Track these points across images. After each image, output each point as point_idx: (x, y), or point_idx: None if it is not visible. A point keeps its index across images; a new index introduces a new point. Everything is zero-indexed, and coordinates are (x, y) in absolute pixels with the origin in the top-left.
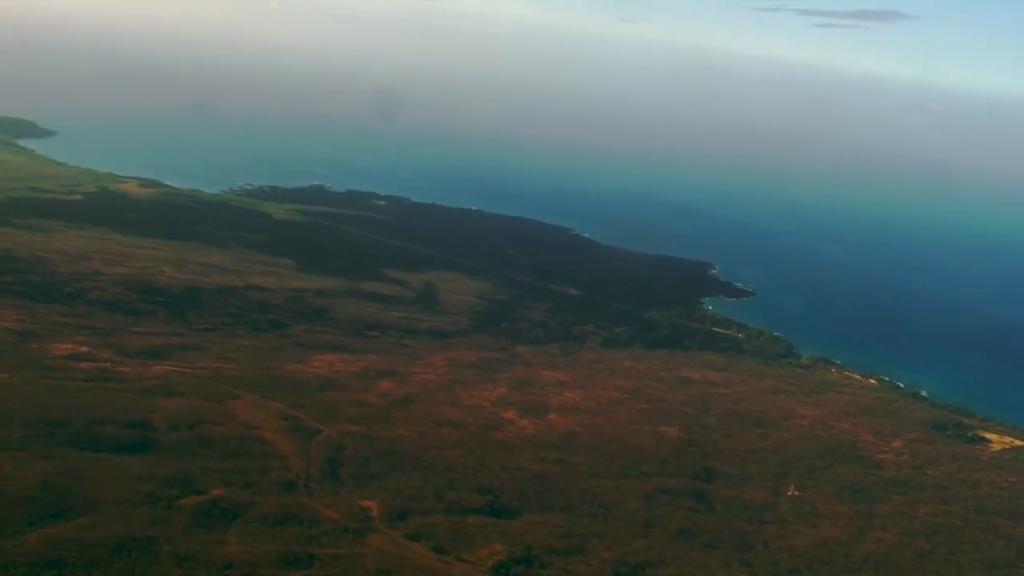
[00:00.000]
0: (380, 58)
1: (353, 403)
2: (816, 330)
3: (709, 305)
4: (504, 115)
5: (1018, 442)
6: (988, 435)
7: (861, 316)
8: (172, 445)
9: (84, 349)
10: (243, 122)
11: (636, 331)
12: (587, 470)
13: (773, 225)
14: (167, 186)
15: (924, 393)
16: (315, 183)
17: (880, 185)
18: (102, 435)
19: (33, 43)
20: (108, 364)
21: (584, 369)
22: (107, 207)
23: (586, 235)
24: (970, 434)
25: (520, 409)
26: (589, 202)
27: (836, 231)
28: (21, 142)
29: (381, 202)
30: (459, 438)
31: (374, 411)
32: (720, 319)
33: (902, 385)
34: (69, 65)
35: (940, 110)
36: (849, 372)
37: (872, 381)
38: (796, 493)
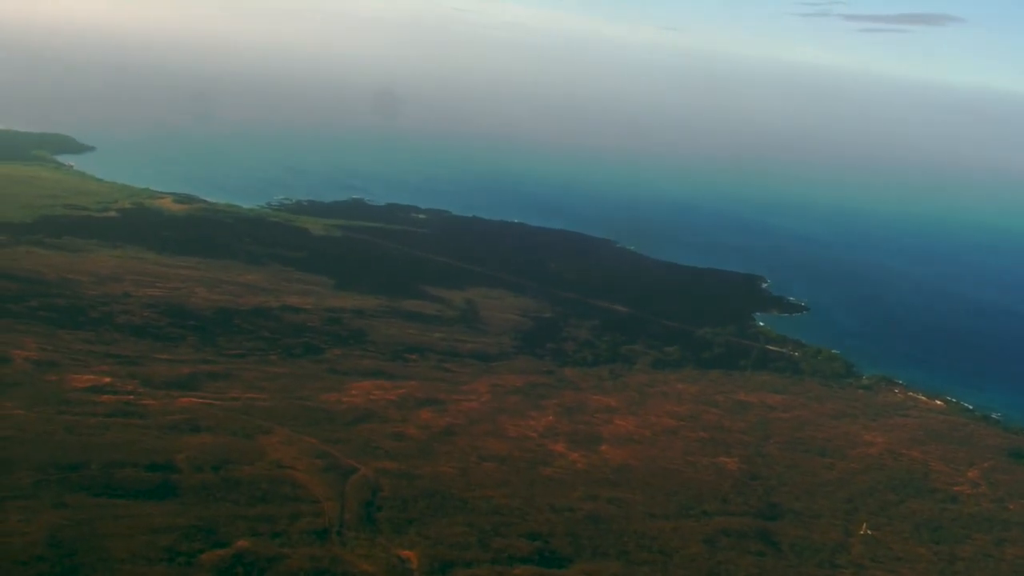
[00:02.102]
0: (406, 65)
1: (391, 436)
2: (874, 347)
3: (761, 321)
4: (545, 125)
5: None
6: None
7: (921, 331)
8: (195, 489)
9: (107, 380)
10: (280, 133)
11: (688, 350)
12: (643, 510)
13: (822, 234)
14: (204, 201)
15: (996, 416)
16: (354, 197)
17: (930, 191)
18: (120, 479)
19: (66, 55)
20: (131, 396)
21: (635, 393)
22: (141, 224)
23: (631, 248)
24: None
25: (569, 440)
26: (632, 213)
27: (887, 240)
28: (60, 158)
29: (422, 216)
30: (505, 475)
31: (414, 445)
32: (775, 336)
33: (971, 407)
34: (105, 78)
35: (989, 114)
36: (913, 393)
37: (939, 403)
38: (869, 532)
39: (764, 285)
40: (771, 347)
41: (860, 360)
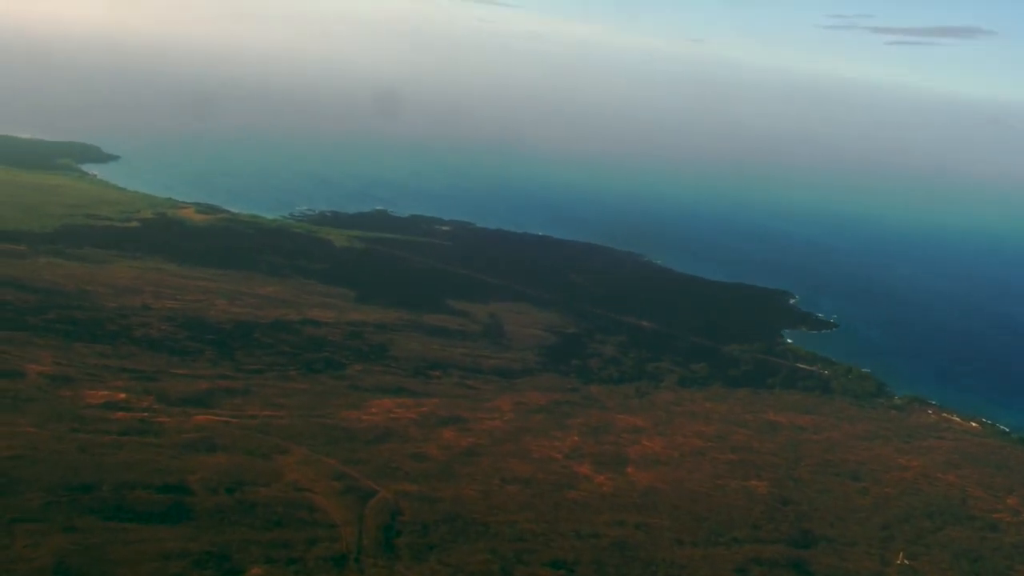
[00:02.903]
0: (429, 74)
1: (412, 457)
2: (906, 365)
3: (789, 338)
4: (568, 135)
5: None
6: None
7: (953, 348)
8: (209, 512)
9: (122, 396)
10: (303, 142)
11: (715, 368)
12: (671, 536)
13: (851, 248)
14: (226, 212)
15: None
16: (377, 208)
17: (960, 204)
18: (132, 501)
19: (81, 62)
20: (146, 414)
21: (662, 412)
22: (163, 235)
23: (658, 262)
24: None
25: (595, 462)
26: (660, 226)
27: (916, 254)
28: (84, 167)
29: (445, 227)
30: (529, 498)
31: (435, 466)
32: (803, 354)
33: (1007, 429)
34: (126, 86)
35: (1020, 127)
36: (947, 414)
37: (974, 424)
38: (906, 562)
39: (792, 301)
40: (800, 365)
41: (891, 379)
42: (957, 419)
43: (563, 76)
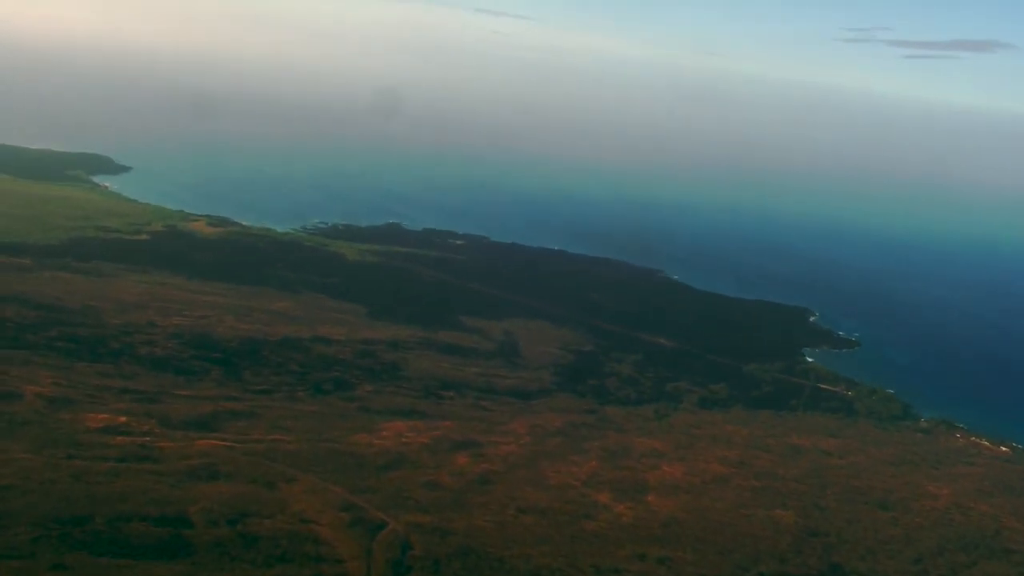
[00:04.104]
0: (444, 85)
1: (424, 485)
2: (931, 385)
3: (810, 357)
4: (583, 148)
5: None
6: None
7: (979, 369)
8: (209, 546)
9: (122, 419)
10: (317, 153)
11: (735, 388)
12: (694, 571)
13: (870, 264)
14: (238, 224)
15: None
16: (391, 221)
17: (982, 219)
18: (127, 535)
19: (84, 71)
20: (147, 438)
21: (682, 435)
22: (172, 248)
23: (675, 277)
24: None
25: (614, 490)
26: (676, 241)
27: (938, 270)
28: (96, 178)
29: (459, 242)
30: (545, 530)
31: (448, 495)
32: (826, 374)
33: None
34: (133, 96)
35: None
36: (976, 437)
37: (1004, 449)
38: None
39: (812, 318)
40: (823, 386)
41: (916, 400)
42: (987, 443)
43: (578, 88)
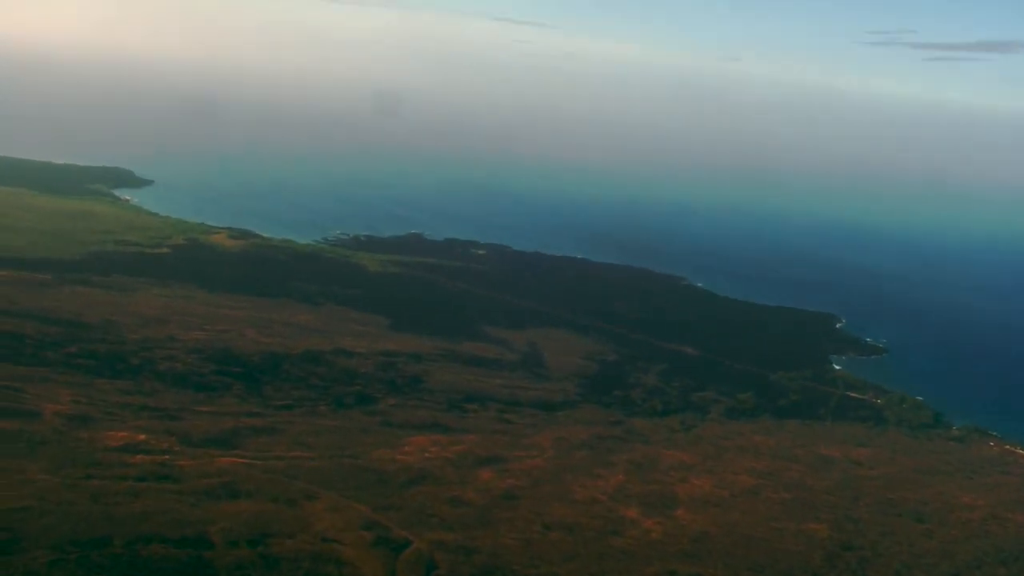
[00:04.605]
0: (467, 95)
1: (448, 502)
2: (961, 393)
3: (837, 364)
4: (605, 155)
5: None
6: None
7: (1012, 375)
8: (230, 569)
9: (141, 437)
10: (337, 163)
11: (762, 397)
12: None
13: (896, 269)
14: (259, 236)
15: None
16: (412, 231)
17: (1010, 221)
18: (146, 558)
19: (108, 85)
20: (166, 456)
21: (710, 447)
22: (193, 261)
23: (699, 285)
24: None
25: (642, 504)
26: (700, 248)
27: (966, 275)
28: (117, 192)
29: (481, 251)
30: (572, 547)
31: (473, 512)
32: (854, 381)
33: None
34: (151, 108)
35: None
36: (1010, 446)
37: None
38: None
39: (838, 325)
40: (851, 394)
41: (947, 407)
42: (1022, 451)
43: (600, 95)
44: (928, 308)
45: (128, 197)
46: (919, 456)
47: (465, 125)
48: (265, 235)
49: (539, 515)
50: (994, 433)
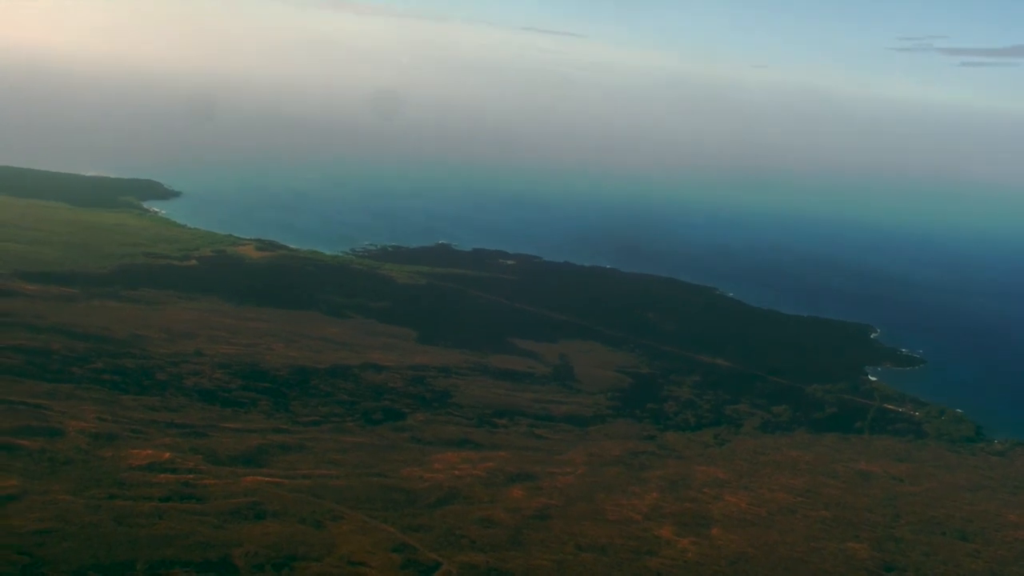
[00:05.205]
0: (497, 105)
1: (478, 522)
2: (1003, 405)
3: (873, 376)
4: (634, 165)
5: None
6: None
7: None
8: None
9: (167, 455)
10: (365, 175)
11: (798, 410)
12: None
13: (931, 278)
14: (286, 247)
15: None
16: (440, 242)
17: None
18: None
19: (133, 96)
20: (192, 476)
21: (744, 462)
22: (221, 273)
23: (730, 295)
24: None
25: (677, 523)
26: (731, 258)
27: (1001, 284)
28: (146, 204)
29: (510, 262)
30: (607, 569)
31: (504, 532)
32: (891, 393)
33: None
34: (180, 119)
35: None
36: None
37: None
38: None
39: (873, 335)
40: (888, 406)
41: (988, 420)
42: None
43: (624, 104)
44: (965, 317)
45: (157, 209)
46: (961, 471)
47: (491, 134)
48: (292, 246)
49: (572, 535)
50: None
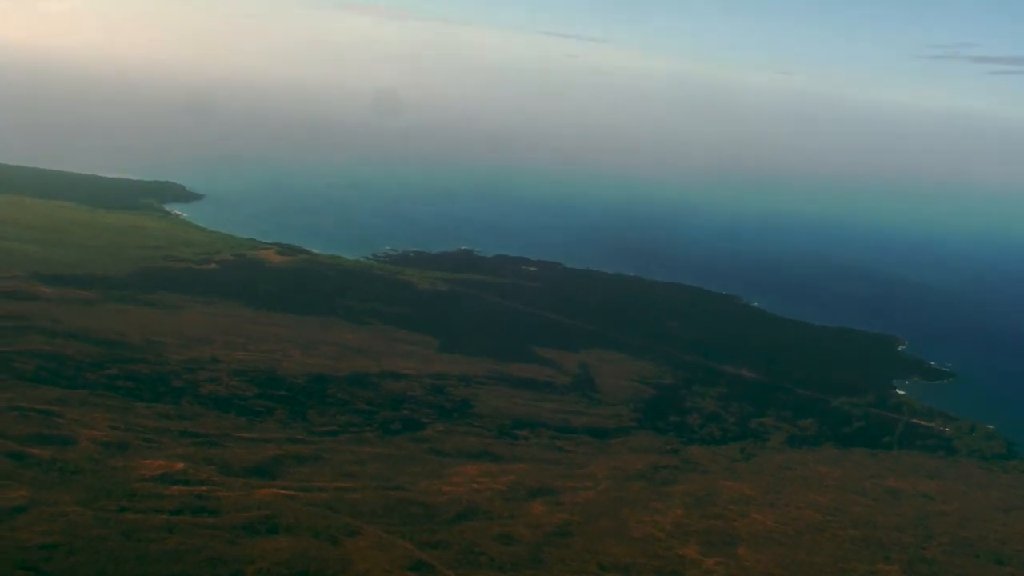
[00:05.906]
0: (522, 109)
1: (498, 538)
2: None
3: (901, 389)
4: (657, 172)
5: None
6: None
7: None
8: None
9: (179, 466)
10: (385, 177)
11: (825, 424)
12: None
13: (960, 287)
14: (307, 252)
15: None
16: (462, 247)
17: None
18: None
19: (143, 96)
20: (204, 487)
21: (771, 478)
22: (240, 278)
23: (755, 304)
24: None
25: (702, 542)
26: (756, 266)
27: None
28: (168, 206)
29: (532, 268)
30: None
31: (524, 550)
32: (919, 407)
33: None
34: (195, 120)
35: None
36: None
37: None
38: None
39: (900, 347)
40: (917, 421)
41: (1019, 436)
42: None
43: (651, 110)
44: (995, 329)
45: (179, 212)
46: (993, 490)
47: (512, 138)
48: (314, 251)
49: (594, 554)
50: None
